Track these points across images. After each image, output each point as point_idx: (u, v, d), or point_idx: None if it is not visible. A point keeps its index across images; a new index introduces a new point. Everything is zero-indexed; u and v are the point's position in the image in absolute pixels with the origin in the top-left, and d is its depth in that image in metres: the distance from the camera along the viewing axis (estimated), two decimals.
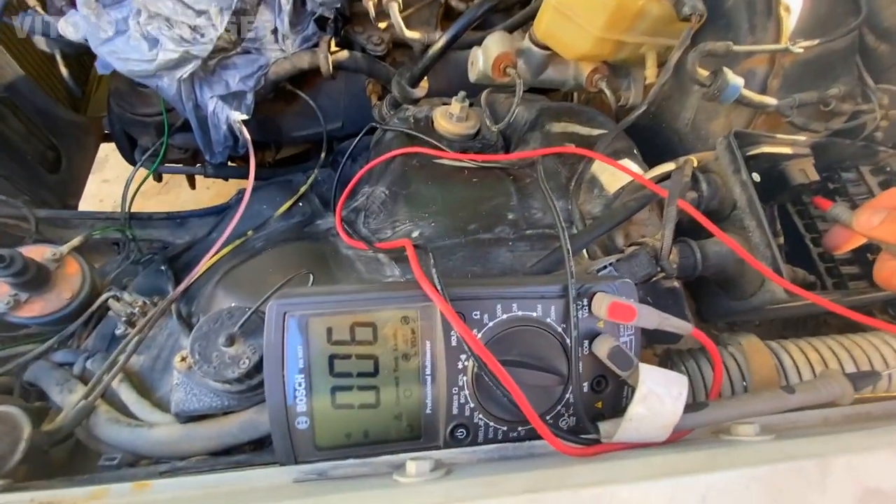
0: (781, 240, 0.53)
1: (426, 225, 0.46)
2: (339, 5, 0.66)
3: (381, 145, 0.61)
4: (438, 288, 0.28)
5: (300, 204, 0.71)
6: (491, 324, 0.30)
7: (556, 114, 0.56)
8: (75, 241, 0.55)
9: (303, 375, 0.28)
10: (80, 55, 0.79)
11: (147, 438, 0.35)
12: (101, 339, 0.50)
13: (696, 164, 0.48)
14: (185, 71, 0.66)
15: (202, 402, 0.35)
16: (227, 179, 1.00)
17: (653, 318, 0.30)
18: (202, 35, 0.65)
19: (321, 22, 0.68)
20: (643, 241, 0.41)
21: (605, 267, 0.38)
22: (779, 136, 0.47)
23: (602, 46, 0.54)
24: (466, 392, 0.30)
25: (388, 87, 0.69)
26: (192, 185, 1.15)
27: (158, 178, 1.03)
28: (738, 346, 0.36)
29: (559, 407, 0.31)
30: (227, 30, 0.64)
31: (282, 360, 0.28)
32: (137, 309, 0.48)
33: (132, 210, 0.75)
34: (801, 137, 0.48)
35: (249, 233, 0.65)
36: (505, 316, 0.30)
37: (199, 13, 0.63)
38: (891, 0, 0.57)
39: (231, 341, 0.33)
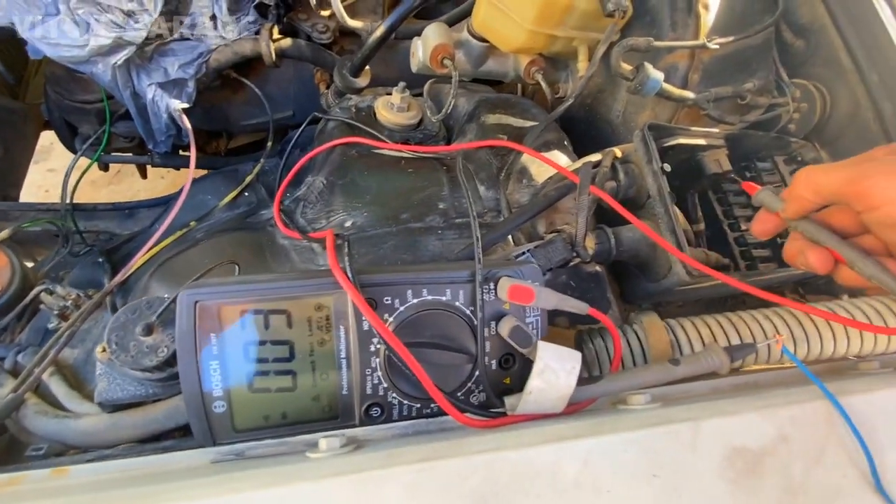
0: (702, 226, 0.57)
1: (359, 214, 0.47)
2: None
3: (324, 135, 0.61)
4: (349, 276, 0.30)
5: (246, 194, 0.71)
6: (402, 308, 0.32)
7: (493, 105, 0.58)
8: (4, 234, 0.53)
9: (217, 362, 0.30)
10: (16, 39, 0.76)
11: (74, 429, 0.36)
12: (35, 333, 0.50)
13: (619, 155, 0.51)
14: (120, 57, 0.64)
15: (126, 391, 0.35)
16: (178, 169, 0.98)
17: (551, 299, 0.33)
18: (136, 20, 0.63)
19: (262, 9, 0.68)
20: (562, 229, 0.44)
21: (522, 253, 0.41)
22: (693, 128, 0.50)
23: (535, 39, 0.56)
24: (379, 373, 0.32)
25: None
26: (143, 174, 1.12)
27: (105, 168, 1.00)
28: (640, 324, 0.39)
29: (470, 384, 0.33)
30: (161, 15, 0.62)
31: (195, 348, 0.29)
32: (70, 302, 0.48)
33: (78, 201, 0.73)
34: (715, 130, 0.52)
35: (192, 223, 0.65)
36: (416, 300, 0.32)
37: None
38: None
39: (149, 330, 0.33)
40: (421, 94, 0.63)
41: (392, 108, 0.60)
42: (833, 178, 0.30)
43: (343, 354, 0.31)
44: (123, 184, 1.52)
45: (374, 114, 0.61)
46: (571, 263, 0.45)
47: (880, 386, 0.35)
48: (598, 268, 0.49)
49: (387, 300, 0.31)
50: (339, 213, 0.48)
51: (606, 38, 0.52)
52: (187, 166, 0.94)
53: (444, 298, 0.32)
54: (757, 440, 0.31)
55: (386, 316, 0.31)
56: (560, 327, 0.47)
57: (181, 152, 1.03)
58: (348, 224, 0.46)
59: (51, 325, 0.48)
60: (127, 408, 0.37)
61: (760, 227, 0.38)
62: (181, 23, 0.65)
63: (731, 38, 0.54)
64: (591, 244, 0.45)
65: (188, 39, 0.67)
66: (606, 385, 0.32)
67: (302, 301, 0.31)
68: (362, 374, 0.32)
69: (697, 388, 0.37)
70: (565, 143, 0.56)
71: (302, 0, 0.71)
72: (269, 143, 0.76)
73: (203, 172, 0.84)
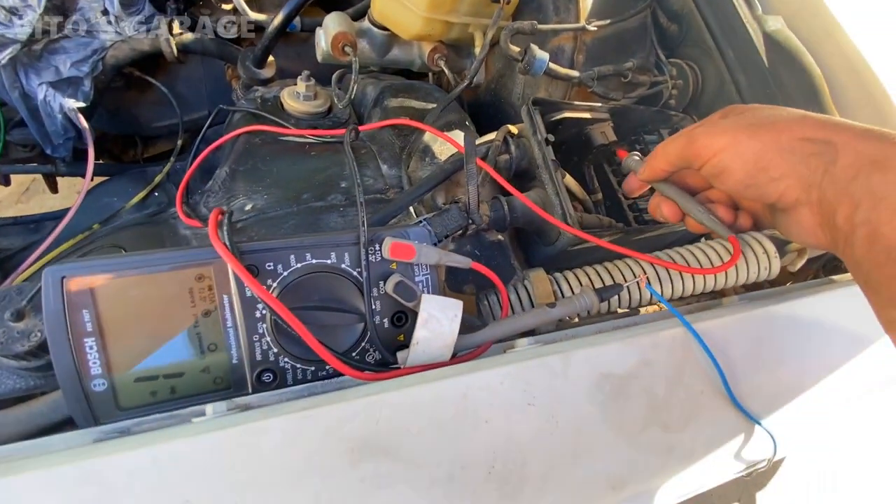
0: (600, 195, 0.62)
1: (259, 197, 0.47)
2: None
3: (231, 126, 0.61)
4: (226, 244, 0.30)
5: (156, 194, 0.68)
6: (285, 273, 0.32)
7: (397, 90, 0.60)
8: None
9: (93, 338, 0.29)
10: None
11: None
12: None
13: (515, 131, 0.54)
14: (4, 56, 0.61)
15: (4, 386, 0.34)
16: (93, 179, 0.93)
17: (432, 254, 0.35)
18: (19, 17, 0.60)
19: (158, 3, 0.66)
20: (458, 199, 0.46)
21: (419, 221, 0.43)
22: (576, 102, 0.54)
23: (431, 26, 0.59)
24: (268, 338, 0.32)
25: None
26: (53, 188, 1.04)
27: (6, 182, 0.93)
28: (528, 279, 0.42)
29: (363, 343, 0.35)
30: (47, 11, 0.60)
31: (65, 325, 0.28)
32: None
33: None
34: (598, 104, 0.56)
35: (95, 226, 0.62)
36: (299, 265, 0.33)
37: None
38: None
39: (19, 316, 0.32)
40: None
41: (298, 97, 0.60)
42: (674, 145, 0.35)
43: (230, 323, 0.32)
44: (32, 201, 1.41)
45: (281, 104, 0.61)
46: (470, 231, 0.47)
47: (729, 313, 0.39)
48: (500, 236, 0.52)
49: (269, 265, 0.32)
50: (239, 198, 0.48)
51: (494, 22, 0.55)
52: (100, 174, 0.90)
53: (329, 262, 0.33)
54: (622, 366, 0.34)
55: (269, 282, 0.32)
56: (467, 294, 0.49)
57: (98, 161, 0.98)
58: (248, 207, 0.47)
59: None
60: (9, 406, 0.35)
61: (628, 187, 0.44)
62: (69, 18, 0.62)
63: (608, 22, 0.59)
64: (485, 212, 0.47)
65: (81, 36, 0.65)
66: (489, 331, 0.35)
67: (181, 272, 0.31)
68: (250, 340, 0.32)
69: (583, 331, 0.41)
70: (466, 122, 0.59)
71: None
72: (179, 142, 0.75)
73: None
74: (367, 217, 0.34)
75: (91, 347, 0.29)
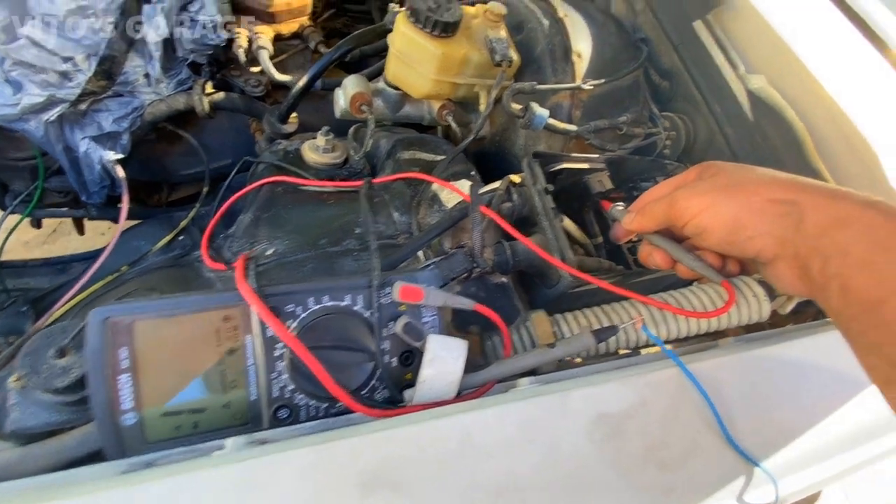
0: (600, 239, 0.65)
1: (280, 243, 0.51)
2: (211, 52, 0.71)
3: (255, 177, 0.66)
4: (252, 286, 0.33)
5: (181, 238, 0.73)
6: (304, 314, 0.35)
7: (409, 144, 0.65)
8: None
9: (128, 375, 0.32)
10: None
11: None
12: None
13: (517, 180, 0.58)
14: (53, 114, 0.67)
15: (39, 419, 0.36)
16: (116, 221, 0.99)
17: (439, 297, 0.37)
18: (69, 80, 0.67)
19: (195, 67, 0.73)
20: (464, 244, 0.49)
21: (427, 265, 0.46)
22: (574, 154, 0.59)
23: (440, 87, 0.64)
24: (285, 376, 0.35)
25: None
26: (80, 230, 1.11)
27: (37, 225, 1.00)
28: (530, 319, 0.45)
29: (373, 382, 0.37)
30: (95, 75, 0.67)
31: (104, 362, 0.31)
32: None
33: (9, 259, 0.73)
34: (595, 155, 0.60)
35: (124, 268, 0.66)
36: (317, 307, 0.36)
37: (66, 59, 0.66)
38: (667, 48, 0.73)
39: (62, 353, 0.35)
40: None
41: (318, 149, 0.65)
42: (658, 207, 0.39)
43: (251, 361, 0.34)
44: (58, 243, 1.48)
45: (301, 156, 0.66)
46: (474, 274, 0.50)
47: (724, 354, 0.41)
48: (504, 279, 0.55)
49: (289, 308, 0.35)
50: (261, 243, 0.51)
51: (497, 83, 0.61)
52: (126, 218, 0.95)
53: (343, 303, 0.36)
54: (619, 405, 0.36)
55: (289, 322, 0.35)
56: (473, 334, 0.51)
57: (119, 205, 1.04)
58: (269, 252, 0.50)
59: None
60: (41, 438, 0.37)
61: (614, 235, 0.47)
62: (115, 81, 0.69)
63: (602, 81, 0.64)
64: (489, 256, 0.50)
65: (121, 96, 0.71)
66: (492, 371, 0.37)
67: (210, 314, 0.34)
68: (268, 378, 0.35)
69: (583, 371, 0.43)
70: (472, 172, 0.63)
71: (234, 58, 0.77)
72: (205, 189, 0.80)
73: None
74: (378, 262, 0.37)
75: (125, 384, 0.32)
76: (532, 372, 0.42)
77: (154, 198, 1.05)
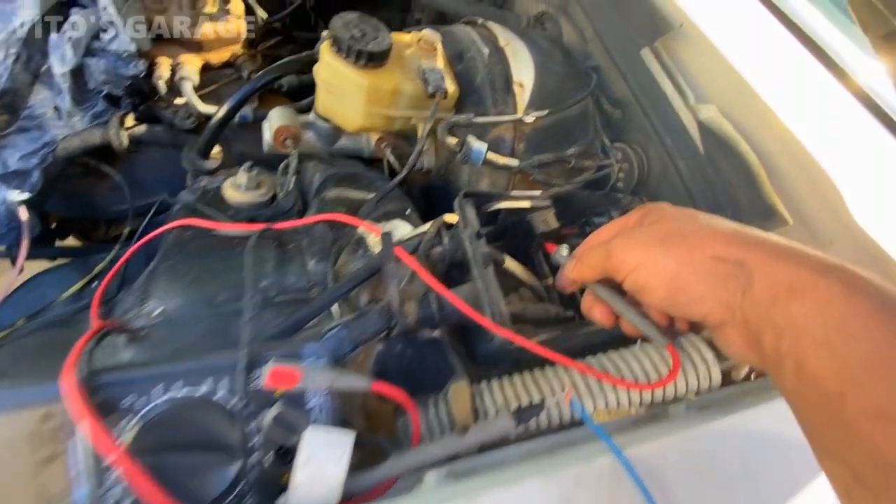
0: (550, 280, 0.59)
1: (172, 300, 0.44)
2: (128, 83, 0.66)
3: (170, 220, 0.59)
4: (77, 376, 0.27)
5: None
6: (146, 409, 0.29)
7: (339, 180, 0.59)
8: None
9: None
10: None
11: None
12: None
13: (452, 221, 0.53)
14: None
15: None
16: (54, 258, 0.91)
17: (321, 379, 0.31)
18: None
19: (111, 99, 0.68)
20: (381, 299, 0.43)
21: (333, 327, 0.39)
22: (514, 192, 0.53)
23: (373, 120, 0.59)
24: (118, 488, 0.28)
25: None
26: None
27: None
28: (446, 393, 0.38)
29: (241, 487, 0.30)
30: None
31: None
32: None
33: None
34: (537, 193, 0.55)
35: (20, 322, 0.59)
36: (165, 397, 0.29)
37: None
38: (616, 76, 0.69)
39: None
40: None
41: (239, 187, 0.60)
42: (596, 256, 0.34)
43: (75, 472, 0.28)
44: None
45: (222, 194, 0.60)
46: (394, 333, 0.44)
47: (671, 432, 0.35)
48: (435, 333, 0.49)
49: (127, 401, 0.28)
50: (151, 301, 0.45)
51: (431, 116, 0.56)
52: (48, 256, 0.88)
53: (201, 391, 0.30)
54: None
55: (126, 421, 0.28)
56: (383, 408, 0.45)
57: (58, 242, 0.97)
58: (157, 312, 0.44)
59: None
60: None
61: (559, 284, 0.41)
62: (19, 115, 0.63)
63: (545, 113, 0.60)
64: (411, 310, 0.44)
65: (29, 130, 0.65)
66: (388, 468, 0.30)
67: (25, 414, 0.27)
68: (99, 492, 0.28)
69: (510, 454, 0.36)
70: (408, 212, 0.58)
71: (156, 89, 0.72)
72: (126, 230, 0.74)
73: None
74: (248, 334, 0.31)
75: None
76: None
77: (97, 232, 0.98)
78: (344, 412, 0.44)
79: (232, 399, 0.30)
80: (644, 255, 0.31)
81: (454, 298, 0.41)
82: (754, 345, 0.28)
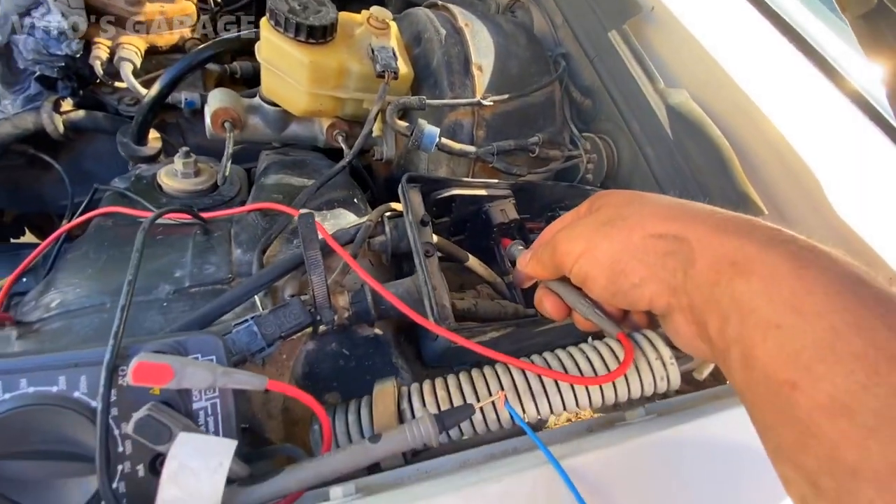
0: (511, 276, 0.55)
1: (72, 291, 0.40)
2: (62, 64, 0.61)
3: (100, 207, 0.55)
4: None
5: (24, 280, 0.61)
6: None
7: (281, 166, 0.55)
8: None
9: None
10: None
11: None
12: None
13: (398, 208, 0.48)
14: None
15: None
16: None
17: (201, 376, 0.26)
18: None
19: (46, 81, 0.63)
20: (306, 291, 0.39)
21: (243, 322, 0.35)
22: (468, 179, 0.49)
23: (320, 102, 0.55)
24: None
25: None
26: None
27: None
28: (369, 395, 0.34)
29: (107, 502, 0.25)
30: None
31: None
32: None
33: None
34: (495, 181, 0.51)
35: None
36: (7, 395, 0.24)
37: None
38: (586, 64, 0.66)
39: None
40: None
41: (176, 174, 0.55)
42: (545, 253, 0.31)
43: None
44: None
45: (158, 182, 0.56)
46: (320, 329, 0.39)
47: (618, 441, 0.31)
48: (377, 331, 0.44)
49: None
50: (51, 292, 0.40)
51: (379, 97, 0.52)
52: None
53: (54, 390, 0.25)
54: None
55: None
56: (329, 404, 0.40)
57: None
58: (55, 304, 0.39)
59: None
60: None
61: (516, 280, 0.39)
62: None
63: (506, 97, 0.56)
64: (343, 304, 0.40)
65: None
66: (279, 483, 0.26)
67: None
68: None
69: (440, 465, 0.31)
70: (355, 200, 0.53)
71: (109, 72, 0.67)
72: (65, 222, 0.68)
73: None
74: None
75: None
76: (375, 467, 0.31)
77: (52, 229, 0.92)
78: (259, 417, 0.39)
79: (93, 400, 0.26)
80: (585, 243, 0.28)
81: (386, 292, 0.36)
82: (702, 332, 0.24)
